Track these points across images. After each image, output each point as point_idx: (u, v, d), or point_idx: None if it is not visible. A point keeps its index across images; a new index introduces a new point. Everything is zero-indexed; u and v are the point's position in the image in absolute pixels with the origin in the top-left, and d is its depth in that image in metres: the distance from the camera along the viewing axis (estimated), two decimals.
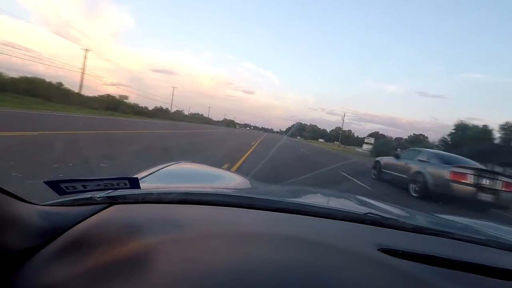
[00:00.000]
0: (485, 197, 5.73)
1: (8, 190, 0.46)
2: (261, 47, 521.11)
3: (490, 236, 0.85)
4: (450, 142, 30.33)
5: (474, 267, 0.55)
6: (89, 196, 0.65)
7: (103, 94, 41.06)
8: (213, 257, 0.46)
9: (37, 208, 0.53)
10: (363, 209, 0.95)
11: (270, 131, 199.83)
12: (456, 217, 1.30)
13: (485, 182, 5.78)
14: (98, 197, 0.65)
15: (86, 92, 41.77)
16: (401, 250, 0.56)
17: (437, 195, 6.01)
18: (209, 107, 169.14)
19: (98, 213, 0.61)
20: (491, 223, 1.29)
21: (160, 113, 57.32)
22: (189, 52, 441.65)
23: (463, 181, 5.80)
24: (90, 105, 30.02)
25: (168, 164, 1.20)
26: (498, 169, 15.39)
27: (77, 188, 0.51)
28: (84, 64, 39.56)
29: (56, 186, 0.49)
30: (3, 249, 0.41)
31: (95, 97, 38.90)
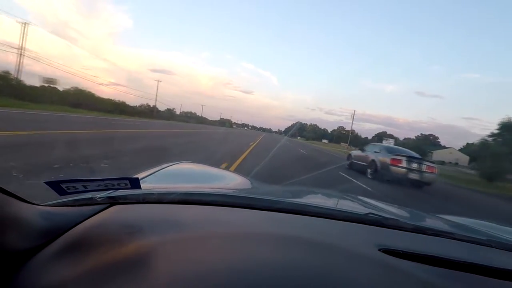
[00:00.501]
0: (414, 176, 7.94)
1: (9, 190, 0.46)
2: (260, 47, 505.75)
3: (491, 236, 0.85)
4: (493, 144, 24.01)
5: (475, 268, 0.55)
6: (90, 196, 0.65)
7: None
8: (214, 257, 0.46)
9: (38, 209, 0.53)
10: (363, 210, 0.95)
11: (269, 131, 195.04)
12: (457, 217, 1.30)
13: (414, 165, 8.03)
14: (98, 197, 0.65)
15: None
16: (402, 250, 0.56)
17: (383, 176, 8.19)
18: (203, 105, 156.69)
19: (99, 213, 0.61)
20: (492, 224, 1.28)
21: (146, 111, 50.10)
22: (188, 52, 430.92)
23: (399, 165, 8.05)
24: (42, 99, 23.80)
25: (168, 164, 1.19)
26: None
27: (78, 189, 0.52)
28: (22, 43, 29.51)
29: (57, 186, 0.49)
30: (4, 249, 0.41)
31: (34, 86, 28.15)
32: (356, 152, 10.86)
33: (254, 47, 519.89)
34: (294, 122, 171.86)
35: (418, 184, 8.12)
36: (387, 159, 8.26)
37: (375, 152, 9.14)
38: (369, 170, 8.91)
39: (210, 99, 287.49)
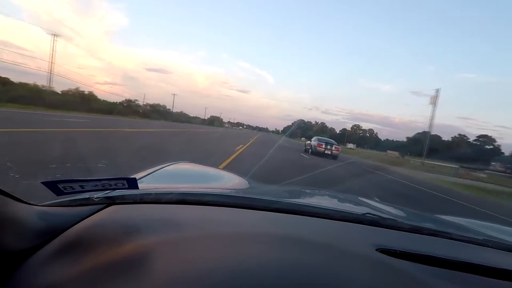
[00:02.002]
0: (328, 151, 15.87)
1: (6, 191, 0.45)
2: (256, 47, 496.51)
3: (487, 236, 0.86)
4: None
5: (471, 267, 0.55)
6: (87, 196, 0.64)
7: None
8: (211, 257, 0.46)
9: (35, 209, 0.52)
10: (361, 209, 0.95)
11: (265, 130, 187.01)
12: (454, 217, 1.30)
13: (328, 146, 16.01)
14: (96, 198, 0.65)
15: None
16: (399, 250, 0.57)
17: (315, 153, 16.06)
18: (174, 94, 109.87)
19: (96, 214, 0.61)
20: (488, 223, 1.28)
21: (75, 100, 30.13)
22: (184, 51, 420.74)
23: (320, 147, 16.05)
24: None
25: (166, 164, 1.18)
26: None
27: (74, 189, 0.51)
28: None
29: (53, 186, 0.49)
30: (1, 250, 0.41)
31: None
32: (307, 142, 20.23)
33: (250, 46, 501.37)
34: (295, 121, 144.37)
35: (330, 156, 16.12)
36: (316, 143, 16.70)
37: (313, 141, 17.52)
38: (310, 150, 17.37)
39: (206, 98, 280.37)
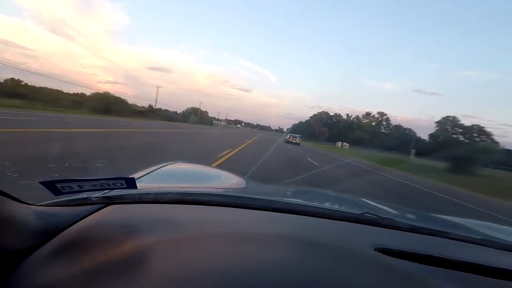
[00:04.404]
0: (293, 140, 30.72)
1: (4, 190, 0.45)
2: (258, 46, 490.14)
3: (485, 235, 0.86)
4: None
5: (470, 267, 0.56)
6: (85, 196, 0.65)
7: None
8: (210, 257, 0.46)
9: (33, 209, 0.52)
10: (359, 209, 0.95)
11: (268, 129, 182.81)
12: (452, 217, 1.31)
13: (293, 137, 31.54)
14: (94, 197, 0.65)
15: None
16: (398, 250, 0.57)
17: (287, 142, 29.73)
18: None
19: (95, 213, 0.61)
20: (486, 223, 1.29)
21: None
22: (185, 50, 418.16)
23: (290, 138, 31.49)
24: None
25: (164, 164, 1.19)
26: None
27: (73, 188, 0.51)
28: None
29: (52, 186, 0.49)
30: None
31: None
32: (285, 136, 31.90)
33: (252, 45, 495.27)
34: (316, 113, 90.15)
35: (294, 143, 29.01)
36: (288, 137, 31.36)
37: (287, 135, 31.98)
38: (285, 140, 30.38)
39: (207, 97, 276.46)
